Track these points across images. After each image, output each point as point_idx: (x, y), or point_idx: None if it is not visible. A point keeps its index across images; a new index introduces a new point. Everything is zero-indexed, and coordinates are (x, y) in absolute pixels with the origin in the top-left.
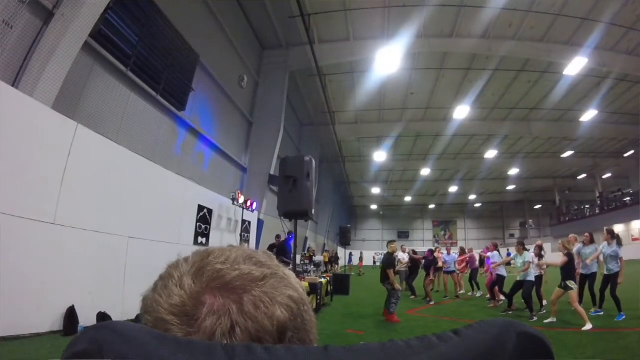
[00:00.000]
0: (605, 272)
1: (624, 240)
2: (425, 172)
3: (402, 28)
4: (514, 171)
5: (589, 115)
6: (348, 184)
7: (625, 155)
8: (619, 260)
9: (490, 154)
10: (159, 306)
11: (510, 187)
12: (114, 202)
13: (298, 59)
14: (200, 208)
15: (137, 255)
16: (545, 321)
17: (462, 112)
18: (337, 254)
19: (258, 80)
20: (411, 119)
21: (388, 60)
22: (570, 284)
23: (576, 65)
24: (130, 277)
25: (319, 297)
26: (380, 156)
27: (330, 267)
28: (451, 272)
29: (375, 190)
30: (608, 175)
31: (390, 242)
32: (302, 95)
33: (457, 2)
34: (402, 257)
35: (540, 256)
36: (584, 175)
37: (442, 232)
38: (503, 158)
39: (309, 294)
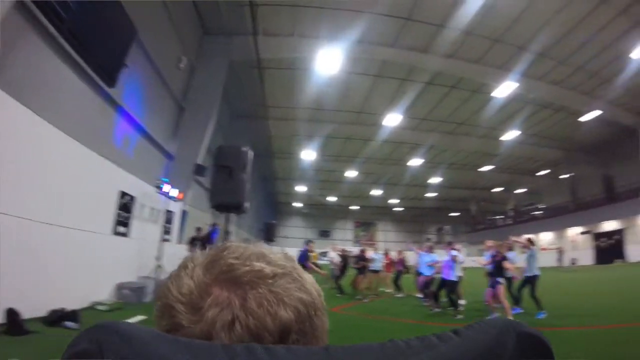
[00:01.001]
0: (526, 274)
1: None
2: (352, 174)
3: (347, 31)
4: (435, 180)
5: (511, 135)
6: (275, 180)
7: (539, 174)
8: (535, 263)
9: (415, 162)
10: (169, 293)
11: (431, 195)
12: (24, 181)
13: (240, 48)
14: (123, 194)
15: (49, 243)
16: (488, 317)
17: (393, 119)
18: None
19: (196, 65)
20: (344, 121)
21: (329, 61)
22: (500, 280)
23: (506, 89)
24: (41, 268)
25: None
26: (309, 155)
27: None
28: (377, 271)
29: (301, 188)
30: (522, 190)
31: (310, 241)
32: (238, 85)
33: (404, 15)
34: (333, 256)
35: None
36: (500, 189)
37: (363, 233)
38: (427, 167)
39: None
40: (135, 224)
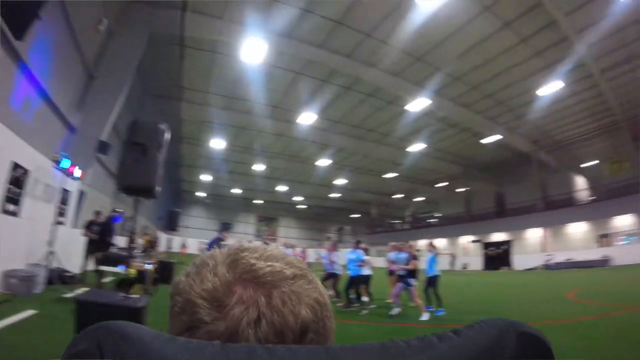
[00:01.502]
0: (428, 275)
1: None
2: (259, 167)
3: (277, 23)
4: (341, 181)
5: (418, 147)
6: (180, 166)
7: (438, 185)
8: (436, 264)
9: (324, 162)
10: (191, 289)
11: (335, 195)
12: None
13: (164, 21)
14: (15, 166)
15: None
16: (392, 312)
17: (307, 118)
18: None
19: (115, 31)
20: (259, 113)
21: (254, 50)
22: (412, 281)
23: (419, 104)
24: None
25: (145, 287)
26: (218, 143)
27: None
28: None
29: (206, 178)
30: (421, 198)
31: (225, 229)
32: (155, 61)
33: (337, 18)
34: None
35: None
36: (400, 196)
37: (265, 228)
38: (334, 168)
39: (135, 282)
40: (26, 202)
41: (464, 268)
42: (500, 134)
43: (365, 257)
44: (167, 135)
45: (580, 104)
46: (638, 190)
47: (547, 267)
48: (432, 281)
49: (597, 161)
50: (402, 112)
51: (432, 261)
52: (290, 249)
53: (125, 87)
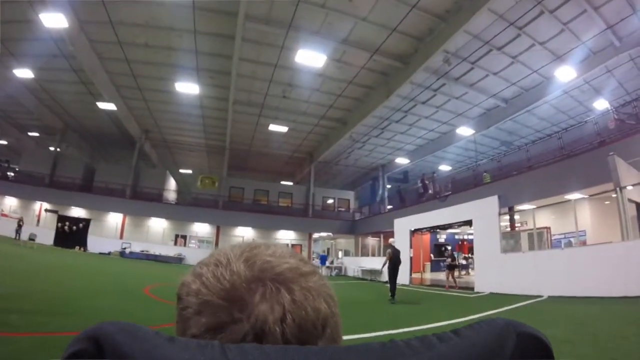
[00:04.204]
0: None
1: None
2: None
3: None
4: None
5: (26, 74)
6: None
7: (30, 134)
8: None
9: None
10: (207, 289)
11: None
12: None
13: None
14: None
15: None
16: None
17: None
18: None
19: None
20: None
21: None
22: None
23: (57, 22)
24: None
25: None
26: None
27: None
28: None
29: None
30: (3, 142)
31: None
32: None
33: None
34: None
35: None
36: None
37: None
38: None
39: None
40: None
41: (31, 239)
42: (117, 107)
43: None
44: None
45: (203, 119)
46: (217, 206)
47: (122, 254)
48: None
49: (191, 171)
50: (36, 22)
51: None
52: None
53: None
